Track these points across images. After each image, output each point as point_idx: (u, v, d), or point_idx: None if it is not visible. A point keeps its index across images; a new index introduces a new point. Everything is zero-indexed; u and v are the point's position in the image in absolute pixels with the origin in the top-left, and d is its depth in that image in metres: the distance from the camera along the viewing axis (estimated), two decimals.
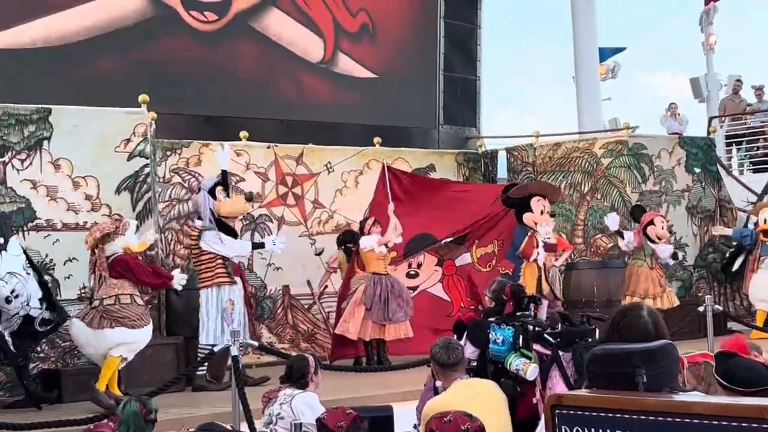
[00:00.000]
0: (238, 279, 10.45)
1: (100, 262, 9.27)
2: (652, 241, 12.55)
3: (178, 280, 9.61)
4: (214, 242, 10.29)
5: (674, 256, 13.01)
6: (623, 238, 12.62)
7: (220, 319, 10.23)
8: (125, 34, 15.06)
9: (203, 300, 10.32)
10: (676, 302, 12.64)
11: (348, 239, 12.40)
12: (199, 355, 10.06)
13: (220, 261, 10.29)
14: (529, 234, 11.74)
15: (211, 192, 10.44)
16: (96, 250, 9.33)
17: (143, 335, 9.33)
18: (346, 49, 17.21)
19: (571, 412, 2.75)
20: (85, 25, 14.72)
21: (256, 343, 9.30)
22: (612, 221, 12.70)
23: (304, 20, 16.76)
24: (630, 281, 12.58)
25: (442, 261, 13.15)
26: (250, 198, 10.77)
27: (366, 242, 11.63)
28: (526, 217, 11.85)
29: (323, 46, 16.96)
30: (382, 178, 12.39)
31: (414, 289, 12.88)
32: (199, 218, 10.57)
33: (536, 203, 11.80)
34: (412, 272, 13.06)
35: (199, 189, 10.77)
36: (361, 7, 17.44)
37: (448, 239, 12.92)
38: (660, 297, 12.40)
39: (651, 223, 12.58)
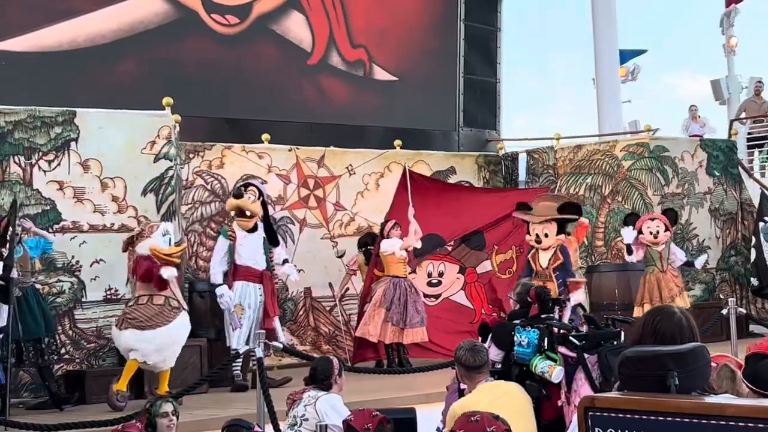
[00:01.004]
0: (252, 285, 10.51)
1: (130, 265, 9.42)
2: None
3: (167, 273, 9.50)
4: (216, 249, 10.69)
5: (689, 263, 12.86)
6: (630, 254, 12.51)
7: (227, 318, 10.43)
8: (148, 37, 15.14)
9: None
10: (688, 305, 12.48)
11: (369, 242, 12.45)
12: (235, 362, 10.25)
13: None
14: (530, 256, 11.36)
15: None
16: (129, 254, 9.48)
17: (156, 336, 9.29)
18: (368, 52, 17.24)
19: (605, 414, 2.77)
20: (109, 29, 14.80)
21: (281, 345, 9.35)
22: (627, 235, 12.35)
23: (321, 23, 16.80)
24: (644, 289, 12.44)
25: (464, 269, 13.17)
26: (238, 195, 10.72)
27: (387, 246, 11.67)
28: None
29: (350, 45, 17.01)
30: (402, 181, 12.41)
31: (437, 297, 12.93)
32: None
33: (532, 226, 11.16)
34: (434, 281, 13.08)
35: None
36: (378, 12, 17.49)
37: (457, 240, 13.01)
38: (676, 297, 12.27)
39: (641, 231, 12.46)
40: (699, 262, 12.97)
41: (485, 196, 13.45)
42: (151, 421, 6.45)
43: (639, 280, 12.74)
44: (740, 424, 2.48)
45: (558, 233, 11.02)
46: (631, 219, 12.62)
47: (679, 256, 12.58)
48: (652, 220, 12.46)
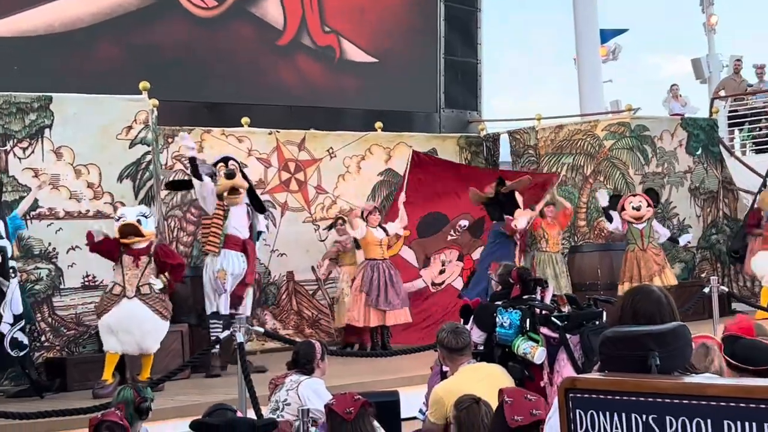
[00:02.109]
0: (234, 253, 10.44)
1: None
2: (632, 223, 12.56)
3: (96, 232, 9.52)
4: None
5: (673, 239, 13.02)
6: (611, 222, 12.68)
7: (210, 287, 10.36)
8: (126, 21, 14.98)
9: (206, 267, 10.52)
10: (674, 282, 12.55)
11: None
12: (210, 329, 10.16)
13: (214, 229, 10.32)
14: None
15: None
16: None
17: (103, 325, 9.32)
18: (346, 34, 17.13)
19: (585, 395, 2.72)
20: (86, 12, 14.65)
21: (261, 329, 9.30)
22: (602, 197, 12.78)
23: (294, 4, 16.65)
24: (625, 267, 12.55)
25: (462, 256, 13.28)
26: (230, 175, 10.65)
27: (356, 232, 11.68)
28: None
29: (321, 30, 16.89)
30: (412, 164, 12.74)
31: (442, 284, 13.04)
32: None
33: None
34: (442, 269, 13.26)
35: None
36: None
37: (462, 227, 13.09)
38: (658, 275, 12.31)
39: (624, 208, 12.58)
40: (684, 239, 13.05)
41: (489, 175, 13.40)
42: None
43: (621, 260, 12.79)
44: (721, 403, 2.44)
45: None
46: (614, 201, 12.70)
47: (662, 232, 12.77)
48: (634, 196, 12.66)
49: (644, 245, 12.47)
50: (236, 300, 10.41)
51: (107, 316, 9.23)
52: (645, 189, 13.24)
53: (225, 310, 10.26)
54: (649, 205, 12.52)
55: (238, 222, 10.49)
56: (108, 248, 9.37)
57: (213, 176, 10.42)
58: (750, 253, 13.34)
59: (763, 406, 2.39)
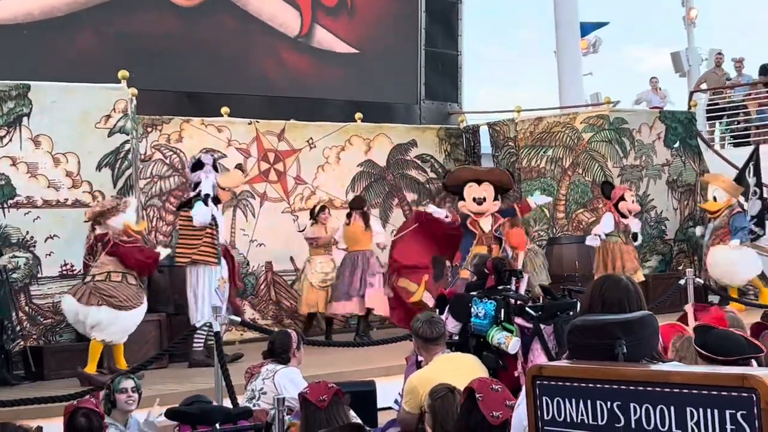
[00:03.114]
0: (223, 259, 10.46)
1: (92, 236, 9.35)
2: (624, 216, 12.60)
3: (164, 255, 9.78)
4: (203, 215, 10.21)
5: (634, 236, 12.98)
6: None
7: (209, 298, 10.20)
8: (106, 9, 14.92)
9: (193, 278, 10.29)
10: (641, 278, 12.59)
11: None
12: (198, 335, 10.11)
13: (207, 239, 10.25)
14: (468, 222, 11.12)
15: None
16: (94, 225, 9.37)
17: (131, 317, 9.37)
18: (326, 24, 17.12)
19: (552, 382, 2.76)
20: (65, 1, 14.58)
21: (239, 319, 9.30)
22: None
23: None
24: (607, 258, 12.52)
25: None
26: (242, 169, 10.75)
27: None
28: (460, 205, 11.32)
29: (300, 20, 16.87)
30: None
31: None
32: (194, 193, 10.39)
33: (467, 190, 11.14)
34: None
35: (195, 165, 10.59)
36: None
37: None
38: (635, 273, 12.35)
39: (622, 198, 12.60)
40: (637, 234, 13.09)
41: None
42: (110, 397, 6.42)
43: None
44: (684, 390, 2.48)
45: (494, 199, 11.07)
46: (607, 188, 12.80)
47: (635, 227, 12.80)
48: (630, 189, 12.91)
49: (627, 240, 12.61)
50: (238, 311, 10.39)
51: None
52: (602, 184, 13.26)
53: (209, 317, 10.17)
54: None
55: (223, 228, 10.56)
56: None
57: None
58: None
59: (725, 393, 2.43)
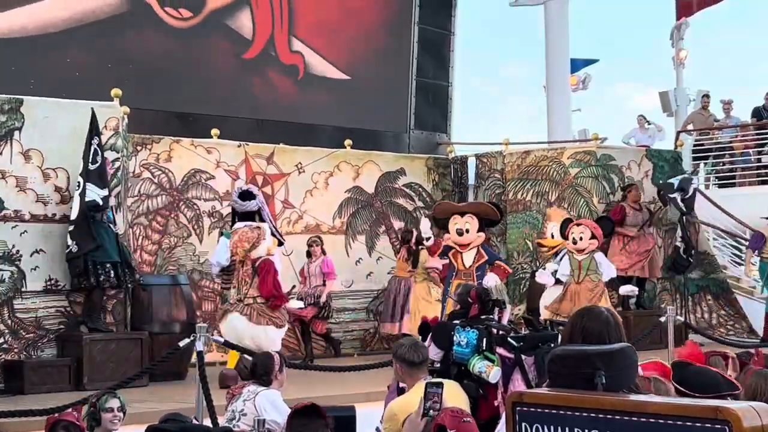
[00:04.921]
0: None
1: (246, 268, 10.10)
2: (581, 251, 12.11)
3: (294, 305, 11.04)
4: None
5: (613, 284, 12.76)
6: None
7: None
8: (99, 27, 15.01)
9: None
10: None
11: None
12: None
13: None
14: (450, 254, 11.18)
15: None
16: (245, 258, 10.08)
17: (281, 335, 10.41)
18: (318, 49, 17.25)
19: (532, 409, 2.82)
20: (60, 17, 14.66)
21: (221, 339, 9.31)
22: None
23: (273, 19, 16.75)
24: (564, 299, 12.11)
25: None
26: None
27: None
28: (445, 237, 11.70)
29: (291, 45, 16.99)
30: None
31: None
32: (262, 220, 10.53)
33: (451, 222, 11.14)
34: None
35: (245, 195, 10.47)
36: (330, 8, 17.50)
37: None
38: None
39: (566, 237, 12.31)
40: (624, 290, 13.09)
41: None
42: (95, 415, 6.40)
43: None
44: (660, 420, 2.55)
45: (479, 231, 11.04)
46: (564, 225, 12.67)
47: (606, 270, 12.19)
48: (578, 225, 12.25)
49: (579, 278, 12.06)
50: None
51: None
52: (597, 218, 13.24)
53: None
54: (593, 237, 12.01)
55: None
56: None
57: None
58: None
59: (698, 424, 2.49)
